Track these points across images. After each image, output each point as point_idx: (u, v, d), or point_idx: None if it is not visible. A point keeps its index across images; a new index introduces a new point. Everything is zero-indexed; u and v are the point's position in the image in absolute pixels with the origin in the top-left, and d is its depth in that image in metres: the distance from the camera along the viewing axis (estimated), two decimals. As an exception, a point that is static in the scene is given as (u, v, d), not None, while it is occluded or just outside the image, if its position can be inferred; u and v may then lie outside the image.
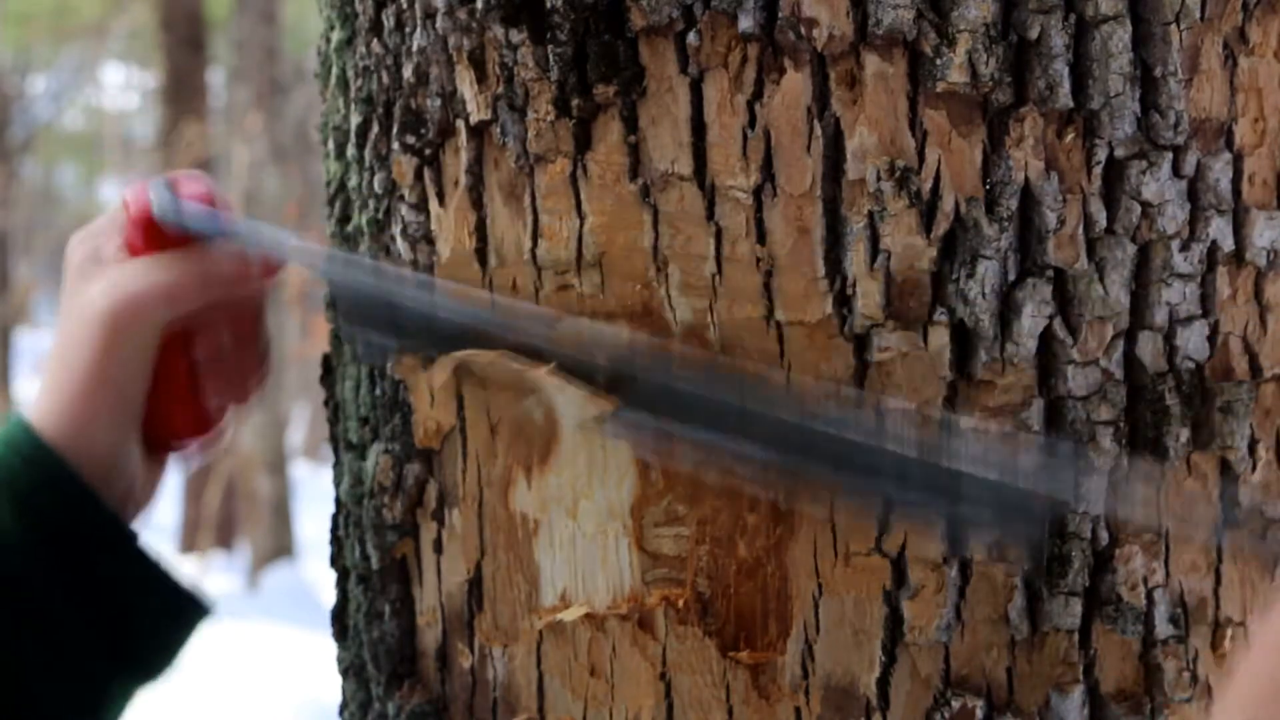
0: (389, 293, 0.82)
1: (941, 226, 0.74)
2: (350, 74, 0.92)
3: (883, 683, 0.76)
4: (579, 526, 0.81)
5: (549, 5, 0.78)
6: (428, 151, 0.86)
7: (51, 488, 0.80)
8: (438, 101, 0.84)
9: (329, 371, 0.99)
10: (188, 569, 8.44)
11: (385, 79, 0.88)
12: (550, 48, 0.78)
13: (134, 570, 0.82)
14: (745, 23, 0.74)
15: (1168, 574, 0.77)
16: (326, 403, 0.99)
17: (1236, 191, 0.77)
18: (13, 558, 0.78)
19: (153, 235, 0.83)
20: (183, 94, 9.21)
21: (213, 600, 0.85)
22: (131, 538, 0.82)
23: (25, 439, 0.81)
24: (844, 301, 0.75)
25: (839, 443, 0.72)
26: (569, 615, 0.81)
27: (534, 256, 0.82)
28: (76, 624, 0.79)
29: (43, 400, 0.83)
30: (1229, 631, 0.79)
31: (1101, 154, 0.74)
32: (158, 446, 0.87)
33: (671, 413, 0.76)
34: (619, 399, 0.77)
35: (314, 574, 7.87)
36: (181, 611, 0.84)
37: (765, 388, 0.74)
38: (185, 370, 0.86)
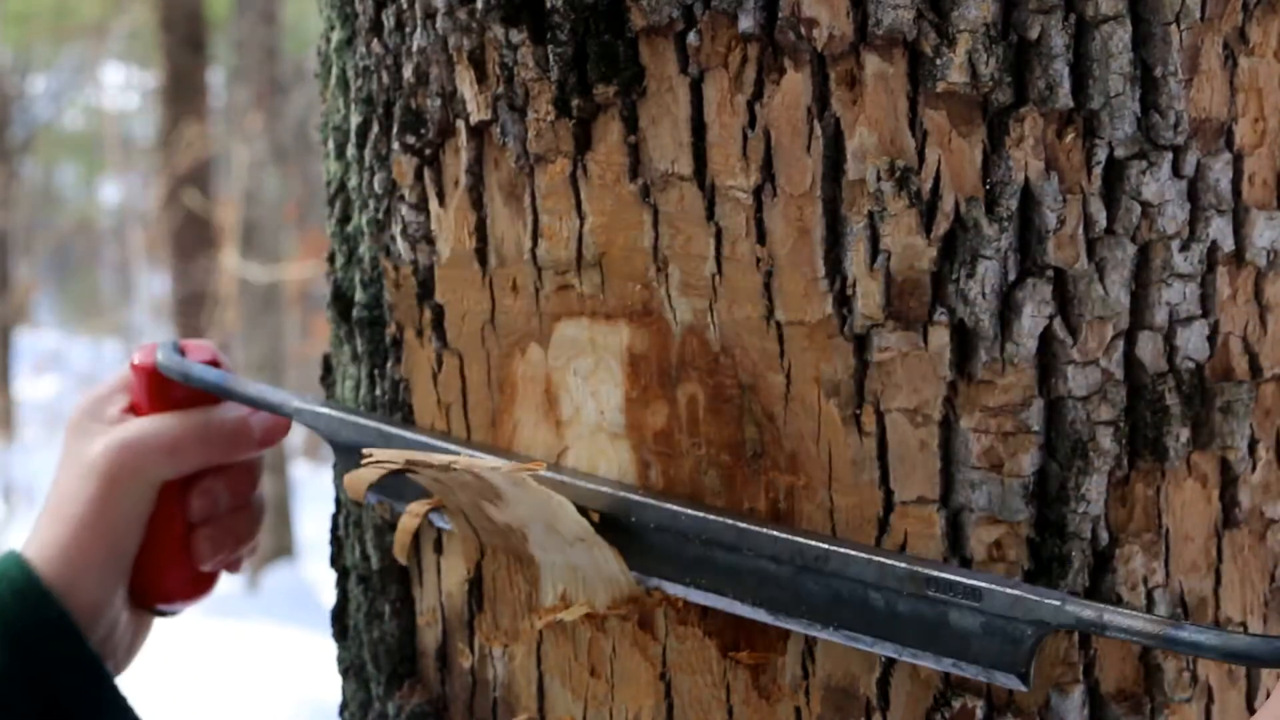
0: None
1: (941, 226, 0.74)
2: (350, 74, 0.92)
3: (883, 683, 0.76)
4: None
5: (549, 5, 0.78)
6: (428, 151, 0.86)
7: (41, 625, 0.80)
8: (438, 101, 0.84)
9: (329, 371, 0.99)
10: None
11: (385, 79, 0.88)
12: (550, 48, 0.78)
13: (108, 716, 0.83)
14: (745, 23, 0.74)
15: (1168, 574, 0.77)
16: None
17: (1236, 191, 0.77)
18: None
19: (157, 394, 0.86)
20: (183, 94, 9.21)
21: None
22: (111, 685, 0.83)
23: (19, 573, 0.82)
24: (844, 301, 0.75)
25: (827, 589, 0.72)
26: (569, 615, 0.81)
27: (534, 256, 0.82)
28: None
29: (37, 541, 0.84)
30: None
31: (1101, 154, 0.74)
32: (144, 604, 0.88)
33: (662, 566, 0.77)
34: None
35: (314, 574, 7.87)
36: None
37: (753, 532, 0.74)
38: (179, 530, 0.87)
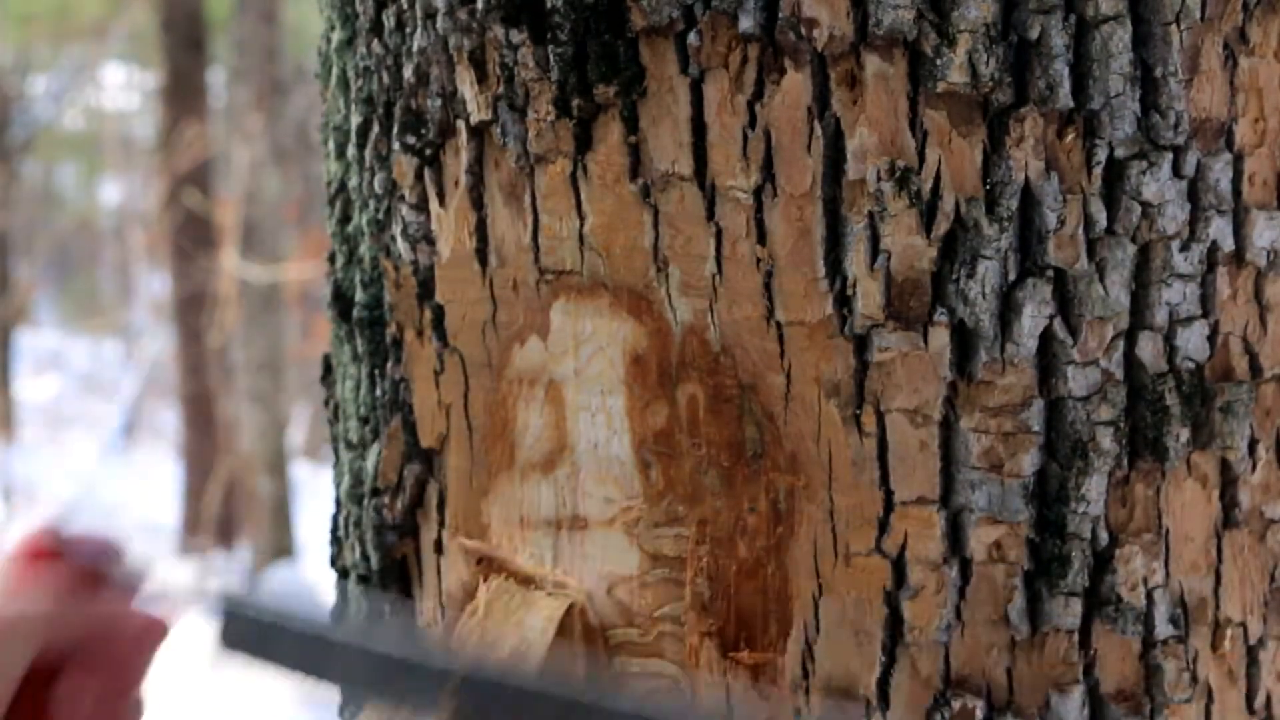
0: (296, 639, 0.76)
1: (942, 226, 0.74)
2: (351, 74, 0.92)
3: (883, 683, 0.76)
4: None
5: (549, 5, 0.78)
6: (428, 152, 0.86)
7: None
8: (438, 102, 0.84)
9: (329, 371, 0.99)
10: (188, 569, 8.45)
11: (386, 79, 0.88)
12: (550, 48, 0.78)
13: None
14: (746, 23, 0.74)
15: (1168, 574, 0.77)
16: (326, 403, 0.99)
17: (1237, 191, 0.77)
18: None
19: (36, 574, 0.80)
20: (183, 94, 9.21)
21: None
22: None
23: None
24: (844, 301, 0.75)
25: None
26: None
27: (534, 256, 0.82)
28: None
29: None
30: (1229, 631, 0.79)
31: (1101, 154, 0.74)
32: None
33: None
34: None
35: (314, 574, 7.87)
36: None
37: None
38: (39, 714, 0.79)
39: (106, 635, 0.79)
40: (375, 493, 0.90)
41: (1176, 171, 0.75)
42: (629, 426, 0.80)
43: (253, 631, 0.78)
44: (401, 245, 0.88)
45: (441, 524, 0.88)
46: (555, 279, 0.81)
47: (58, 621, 0.78)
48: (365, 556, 0.93)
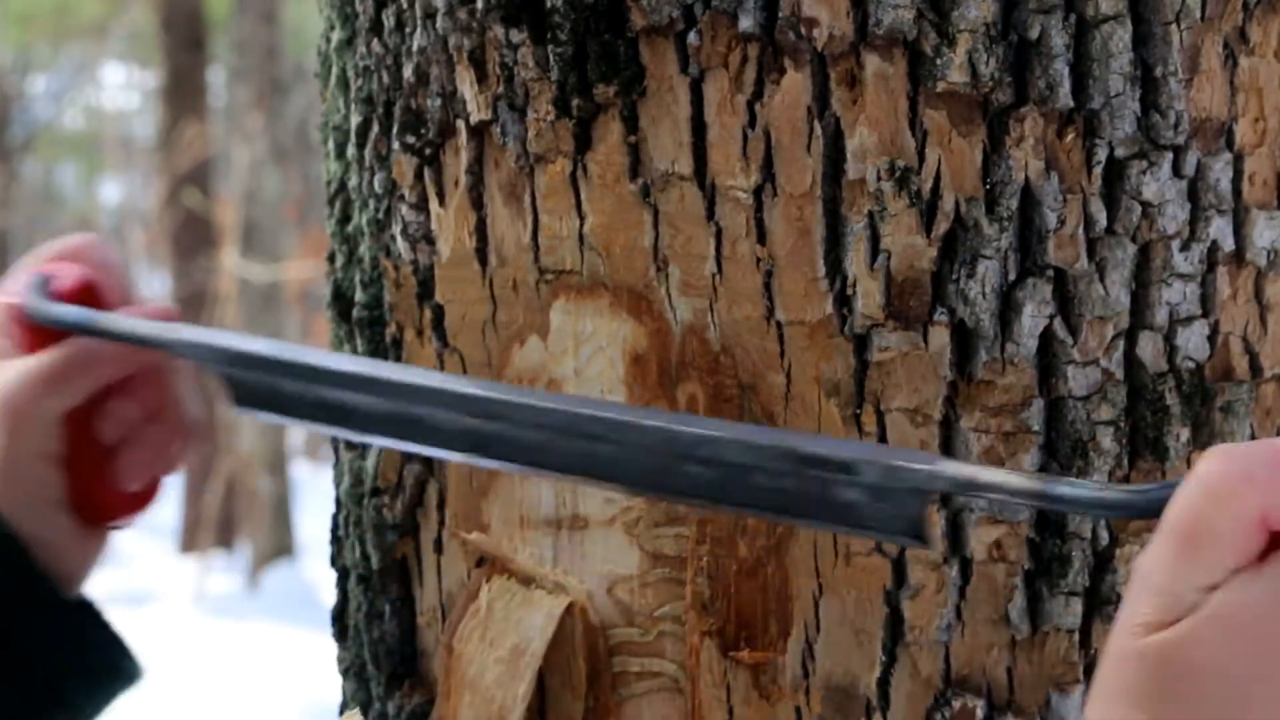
0: (278, 380, 0.81)
1: (942, 226, 0.74)
2: (350, 74, 0.92)
3: (883, 683, 0.76)
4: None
5: (549, 5, 0.78)
6: (428, 151, 0.86)
7: None
8: (438, 101, 0.84)
9: (329, 371, 0.99)
10: (188, 569, 8.45)
11: (385, 79, 0.88)
12: (550, 48, 0.78)
13: (60, 632, 0.85)
14: (745, 23, 0.74)
15: (1168, 574, 0.77)
16: (327, 403, 0.99)
17: (1237, 191, 0.77)
18: None
19: (31, 330, 0.85)
20: (183, 94, 9.21)
21: (142, 666, 0.87)
22: (57, 590, 0.85)
23: None
24: (844, 301, 0.75)
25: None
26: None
27: (534, 256, 0.82)
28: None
29: None
30: (1229, 631, 0.79)
31: (1102, 154, 0.74)
32: (92, 523, 0.89)
33: (546, 460, 0.74)
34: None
35: (314, 574, 7.87)
36: (108, 675, 0.86)
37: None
38: (96, 454, 0.88)
39: (119, 358, 0.85)
40: (375, 492, 0.90)
41: (1176, 171, 0.75)
42: (629, 426, 0.80)
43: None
44: (401, 245, 0.88)
45: (442, 523, 0.88)
46: (555, 279, 0.81)
47: (69, 373, 0.84)
48: (365, 556, 0.93)
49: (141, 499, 0.90)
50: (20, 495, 0.84)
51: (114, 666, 0.86)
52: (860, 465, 0.66)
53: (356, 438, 0.82)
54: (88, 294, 0.87)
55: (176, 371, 0.89)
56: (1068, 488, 0.61)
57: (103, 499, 0.88)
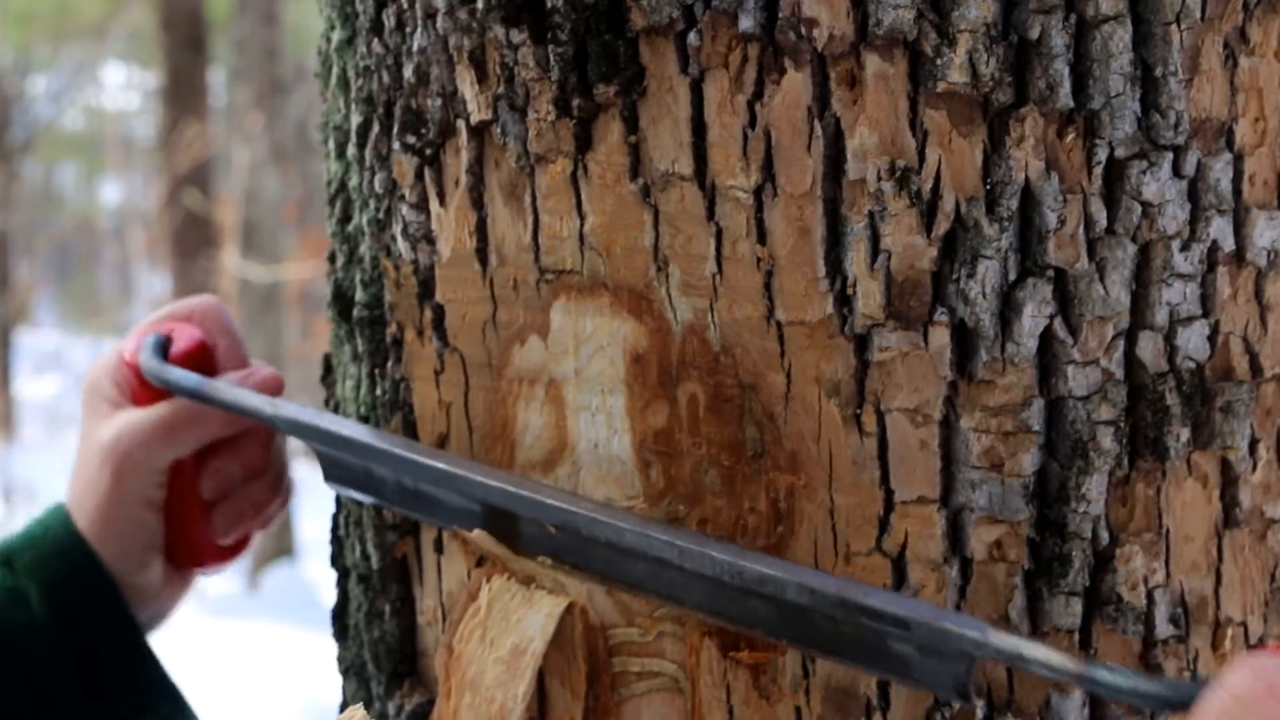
0: (370, 464, 0.86)
1: (942, 226, 0.74)
2: (351, 74, 0.92)
3: (883, 683, 0.76)
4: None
5: (549, 5, 0.78)
6: (428, 151, 0.86)
7: (83, 584, 0.89)
8: (438, 101, 0.84)
9: (329, 371, 0.99)
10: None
11: (386, 79, 0.88)
12: (551, 48, 0.78)
13: (138, 670, 0.90)
14: (746, 23, 0.74)
15: (1168, 574, 0.77)
16: (326, 402, 0.99)
17: (1237, 191, 0.77)
18: (37, 641, 0.87)
19: (148, 385, 0.90)
20: (183, 94, 9.21)
21: (196, 714, 0.93)
22: (142, 637, 0.91)
23: (63, 529, 0.90)
24: (844, 301, 0.75)
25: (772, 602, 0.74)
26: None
27: (534, 256, 0.82)
28: (78, 707, 0.88)
29: (74, 502, 0.92)
30: (1229, 631, 0.79)
31: (1102, 154, 0.74)
32: (184, 567, 0.95)
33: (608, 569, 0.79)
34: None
35: (314, 574, 7.87)
36: (171, 713, 0.92)
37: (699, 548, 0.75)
38: (197, 505, 0.93)
39: (227, 418, 0.91)
40: (375, 492, 0.90)
41: (1177, 171, 0.75)
42: (629, 426, 0.80)
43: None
44: (401, 245, 0.88)
45: (442, 524, 0.88)
46: (555, 278, 0.81)
47: (180, 428, 0.90)
48: (365, 556, 0.93)
49: (232, 551, 0.97)
50: (120, 538, 0.90)
51: (172, 708, 0.92)
52: (913, 624, 0.70)
53: (445, 526, 0.86)
54: (202, 356, 0.92)
55: (278, 436, 0.95)
56: (1105, 672, 0.66)
57: (196, 548, 0.94)
